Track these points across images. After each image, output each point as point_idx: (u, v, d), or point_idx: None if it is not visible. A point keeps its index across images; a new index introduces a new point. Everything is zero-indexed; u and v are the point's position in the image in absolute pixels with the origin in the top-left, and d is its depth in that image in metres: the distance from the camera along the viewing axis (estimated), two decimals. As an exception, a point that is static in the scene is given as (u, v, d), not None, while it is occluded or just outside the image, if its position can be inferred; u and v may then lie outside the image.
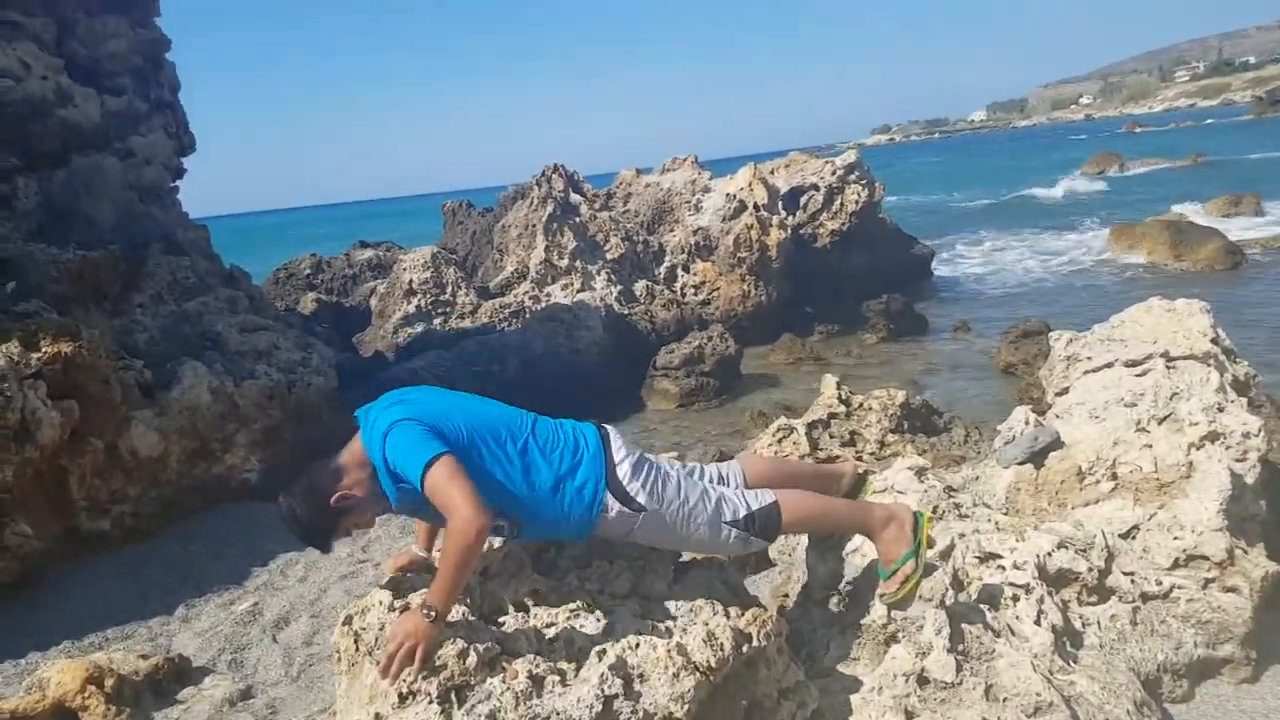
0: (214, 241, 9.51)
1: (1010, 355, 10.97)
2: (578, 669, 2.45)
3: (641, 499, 2.61)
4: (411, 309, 14.34)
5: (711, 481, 2.84)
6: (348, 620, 2.56)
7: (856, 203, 16.58)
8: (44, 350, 5.57)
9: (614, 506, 2.59)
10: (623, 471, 2.62)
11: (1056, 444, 3.87)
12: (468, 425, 2.51)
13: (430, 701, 2.23)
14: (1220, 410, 3.60)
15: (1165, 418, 3.65)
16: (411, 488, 2.38)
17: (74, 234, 7.41)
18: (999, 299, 17.06)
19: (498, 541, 2.95)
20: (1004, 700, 2.73)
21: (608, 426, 2.78)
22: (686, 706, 2.39)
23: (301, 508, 2.46)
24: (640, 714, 2.36)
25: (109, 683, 3.87)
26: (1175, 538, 3.33)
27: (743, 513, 2.72)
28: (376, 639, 2.46)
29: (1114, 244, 18.95)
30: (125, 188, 8.28)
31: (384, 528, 6.35)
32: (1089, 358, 4.34)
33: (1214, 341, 4.17)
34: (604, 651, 2.47)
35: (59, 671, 3.91)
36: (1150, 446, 3.58)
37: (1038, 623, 3.01)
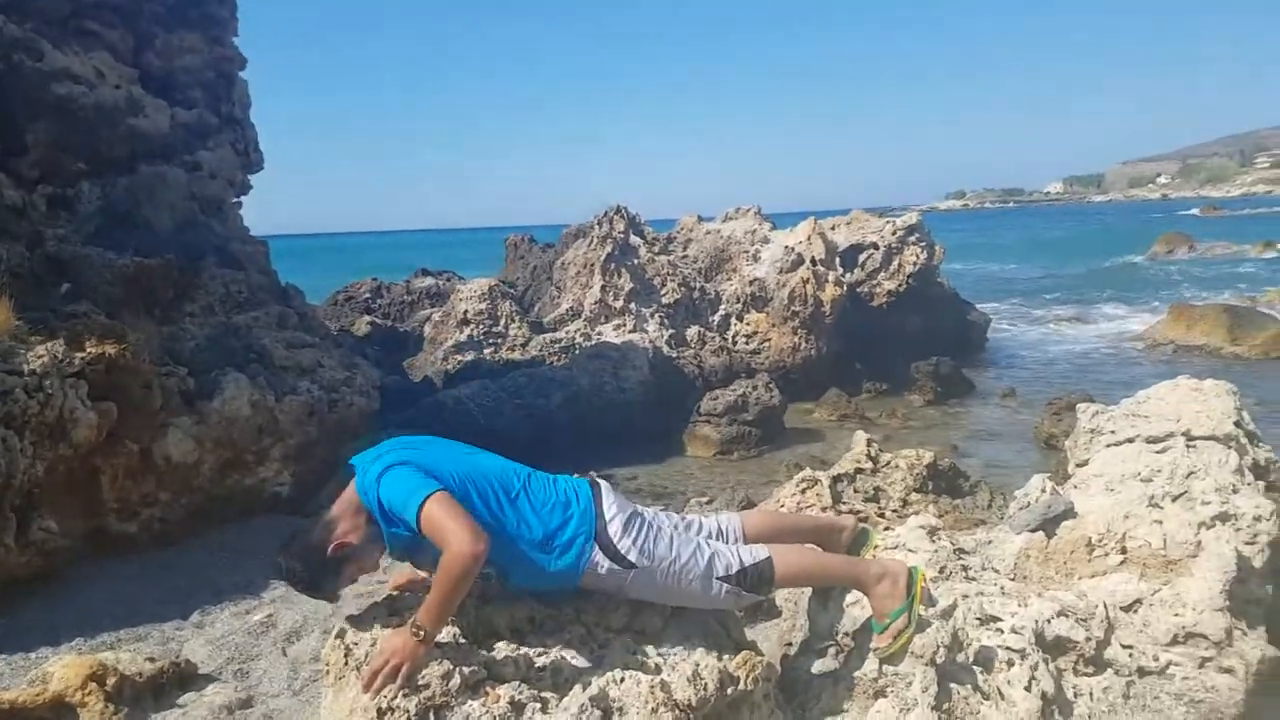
0: (284, 260, 9.70)
1: (1052, 426, 10.79)
2: (560, 698, 2.46)
3: (632, 556, 2.62)
4: (463, 337, 14.51)
5: (709, 536, 2.84)
6: (340, 634, 2.59)
7: (914, 264, 16.50)
8: (88, 350, 5.67)
9: (604, 563, 2.60)
10: (613, 529, 2.63)
11: (1069, 513, 3.81)
12: (460, 473, 2.54)
13: (408, 718, 2.25)
14: (1234, 491, 3.54)
15: (1179, 495, 3.61)
16: (406, 532, 2.42)
17: (132, 240, 7.61)
18: (1051, 369, 16.82)
19: None
20: (984, 763, 2.68)
21: (601, 482, 2.80)
22: (661, 743, 2.39)
23: (300, 564, 2.53)
24: (615, 746, 2.36)
25: (110, 681, 3.86)
26: (1176, 614, 3.29)
27: (735, 568, 2.73)
28: (366, 654, 2.49)
29: (1171, 323, 18.60)
30: (187, 198, 8.52)
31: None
32: (1111, 431, 4.30)
33: (1237, 424, 4.12)
34: (588, 683, 2.48)
35: (63, 667, 3.89)
36: (1161, 523, 3.53)
37: (1028, 688, 2.97)
